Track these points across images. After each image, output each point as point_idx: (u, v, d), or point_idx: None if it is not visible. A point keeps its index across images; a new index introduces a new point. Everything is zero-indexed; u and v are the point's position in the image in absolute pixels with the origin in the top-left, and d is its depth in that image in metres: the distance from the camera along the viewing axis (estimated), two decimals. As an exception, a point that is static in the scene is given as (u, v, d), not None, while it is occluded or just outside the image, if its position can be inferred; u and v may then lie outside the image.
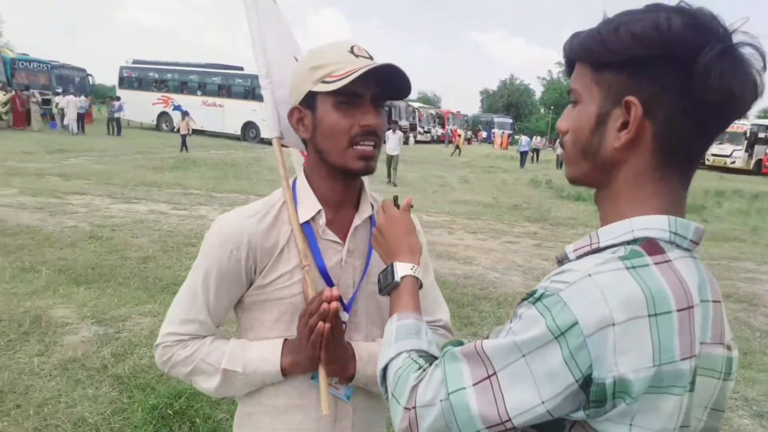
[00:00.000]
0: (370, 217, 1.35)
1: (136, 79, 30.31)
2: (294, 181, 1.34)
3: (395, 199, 1.24)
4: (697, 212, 14.17)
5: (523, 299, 0.83)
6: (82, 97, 25.65)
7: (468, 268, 7.29)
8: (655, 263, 0.79)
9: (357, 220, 1.31)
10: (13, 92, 23.62)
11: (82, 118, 24.84)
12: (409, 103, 44.31)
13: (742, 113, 0.83)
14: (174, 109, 28.28)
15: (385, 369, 0.98)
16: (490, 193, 15.37)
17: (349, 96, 1.18)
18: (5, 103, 22.25)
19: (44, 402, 3.42)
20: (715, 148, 32.62)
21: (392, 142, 15.99)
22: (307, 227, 1.27)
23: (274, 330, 1.28)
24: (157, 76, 29.79)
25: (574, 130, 0.90)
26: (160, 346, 1.29)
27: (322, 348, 1.19)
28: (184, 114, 21.88)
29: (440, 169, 21.80)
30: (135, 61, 30.72)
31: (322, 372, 1.23)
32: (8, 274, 5.57)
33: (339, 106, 1.19)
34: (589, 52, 0.86)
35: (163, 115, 29.46)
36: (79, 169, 13.52)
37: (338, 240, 1.30)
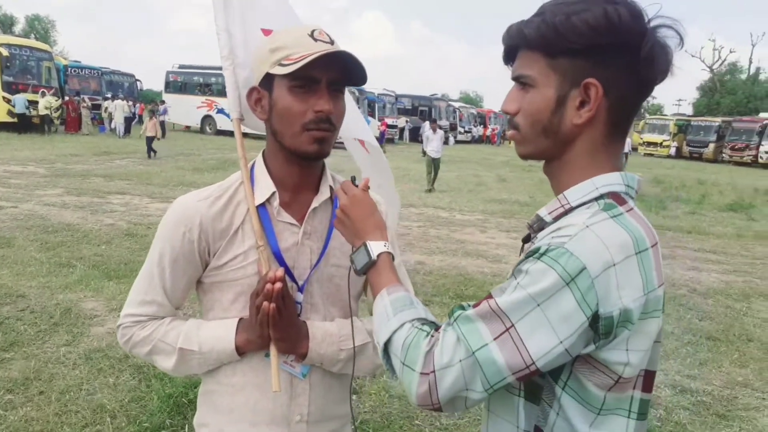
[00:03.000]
0: (332, 200, 1.35)
1: (182, 83, 31.14)
2: (253, 164, 1.35)
3: (353, 179, 1.24)
4: (745, 210, 13.64)
5: (527, 257, 0.91)
6: (129, 102, 26.47)
7: (497, 266, 7.21)
8: (626, 211, 0.94)
9: (315, 203, 1.31)
10: (66, 98, 24.64)
11: (130, 121, 25.69)
12: (450, 102, 44.12)
13: (664, 80, 0.99)
14: (218, 113, 28.92)
15: (387, 342, 1.00)
16: (527, 191, 15.13)
17: (304, 80, 1.18)
18: (57, 108, 23.19)
19: (66, 389, 3.56)
20: None
21: (434, 142, 14.61)
22: (262, 209, 1.28)
23: (232, 310, 1.30)
24: (201, 80, 30.51)
25: (532, 113, 0.99)
26: (121, 326, 1.32)
27: (271, 326, 1.20)
28: (152, 112, 19.73)
29: (478, 168, 21.61)
30: (181, 66, 31.56)
31: (273, 349, 1.25)
32: (45, 269, 5.81)
33: (294, 90, 1.19)
34: (543, 41, 0.95)
35: (207, 118, 30.15)
36: (122, 170, 14.02)
37: (295, 222, 1.30)
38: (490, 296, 0.92)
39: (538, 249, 0.89)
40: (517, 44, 1.00)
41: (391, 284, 1.07)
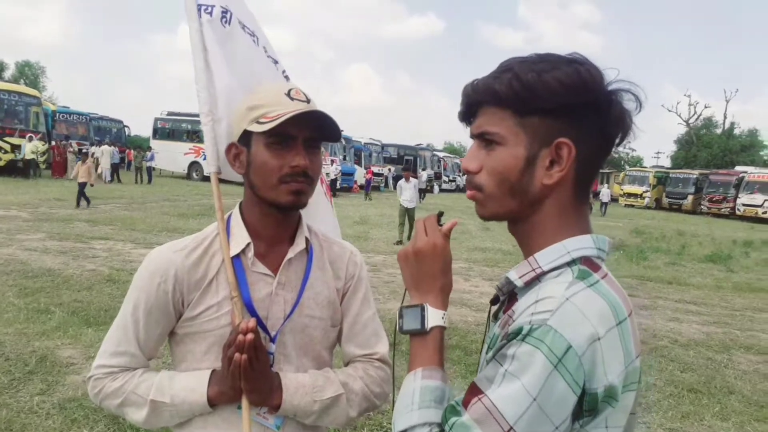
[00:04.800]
0: (307, 250, 1.39)
1: (170, 130, 31.38)
2: (230, 216, 1.38)
3: (440, 215, 1.11)
4: (724, 262, 13.82)
5: (508, 340, 0.86)
6: (116, 148, 26.53)
7: (480, 316, 7.19)
8: (601, 278, 0.90)
9: (290, 254, 1.34)
10: (53, 143, 24.66)
11: (116, 167, 25.70)
12: (435, 152, 44.77)
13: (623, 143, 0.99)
14: (204, 159, 28.97)
15: None
16: (510, 240, 14.96)
17: (281, 137, 1.24)
18: (44, 153, 23.18)
19: (38, 440, 3.46)
20: (746, 198, 33.51)
21: (407, 192, 13.72)
22: (237, 260, 1.31)
23: (204, 361, 1.30)
24: (189, 127, 30.71)
25: (499, 171, 0.95)
26: (92, 378, 1.32)
27: (243, 378, 1.21)
28: (84, 155, 17.42)
29: (462, 216, 21.66)
30: (169, 113, 31.83)
31: (244, 401, 1.25)
32: (23, 315, 5.71)
33: (270, 146, 1.25)
34: (516, 98, 0.91)
35: (194, 165, 30.26)
36: (106, 215, 13.92)
37: (269, 272, 1.33)
38: (478, 390, 0.86)
39: (520, 329, 0.85)
40: (481, 100, 0.96)
41: (430, 365, 0.99)
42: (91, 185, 15.17)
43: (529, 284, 0.94)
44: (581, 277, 0.89)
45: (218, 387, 1.26)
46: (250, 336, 1.16)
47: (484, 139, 0.97)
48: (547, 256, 0.94)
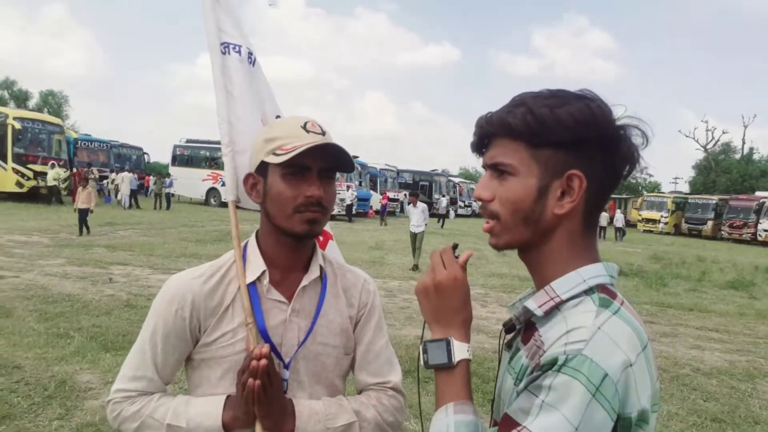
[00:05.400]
0: (321, 278, 1.41)
1: (188, 156, 31.90)
2: (246, 244, 1.41)
3: (454, 247, 1.10)
4: (746, 288, 13.58)
5: (543, 371, 0.87)
6: (135, 175, 26.97)
7: (496, 342, 7.12)
8: (621, 304, 0.93)
9: (305, 281, 1.37)
10: (74, 170, 25.15)
11: (135, 193, 26.11)
12: (450, 177, 44.84)
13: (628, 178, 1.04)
14: (222, 185, 29.40)
15: None
16: (527, 267, 15.14)
17: (296, 168, 1.27)
18: (65, 179, 23.64)
19: (56, 465, 3.47)
20: (767, 224, 33.13)
21: (415, 217, 13.62)
22: (252, 287, 1.34)
23: (219, 387, 1.32)
24: (207, 154, 31.23)
25: (513, 201, 0.99)
26: (111, 402, 1.34)
27: (256, 403, 1.22)
28: (84, 181, 16.23)
29: (478, 241, 21.65)
30: (188, 141, 32.39)
31: (258, 427, 1.26)
32: (43, 340, 5.78)
33: (286, 177, 1.28)
34: (529, 131, 0.96)
35: (211, 191, 30.67)
36: (125, 240, 14.11)
37: (284, 299, 1.35)
38: (514, 423, 0.87)
39: (555, 360, 0.86)
40: (495, 132, 1.00)
41: (461, 400, 0.99)
42: (91, 211, 14.66)
43: (549, 313, 0.96)
44: (604, 305, 0.91)
45: (233, 412, 1.27)
46: (263, 362, 1.18)
47: (497, 170, 1.00)
48: (563, 285, 0.96)
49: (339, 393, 1.42)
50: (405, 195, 36.29)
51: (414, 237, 13.50)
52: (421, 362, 1.04)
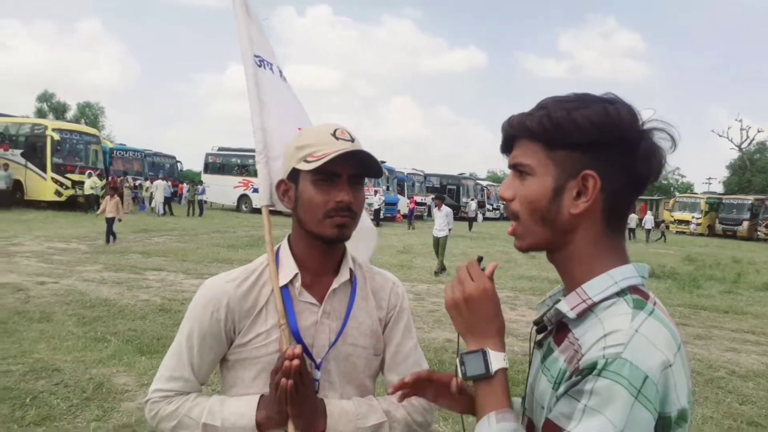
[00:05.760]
0: (351, 281, 1.45)
1: (220, 164, 32.43)
2: (279, 248, 1.47)
3: (479, 259, 1.12)
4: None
5: (582, 376, 0.88)
6: (168, 182, 27.53)
7: (527, 345, 7.07)
8: (654, 305, 0.94)
9: (335, 284, 1.41)
10: (110, 178, 25.83)
11: (169, 201, 26.66)
12: (478, 181, 44.59)
13: (656, 179, 1.04)
14: (253, 191, 29.84)
15: None
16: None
17: (326, 174, 1.32)
18: (102, 188, 24.28)
19: (95, 464, 3.59)
20: None
21: (438, 221, 13.34)
22: (285, 289, 1.38)
23: (253, 387, 1.37)
24: (239, 161, 31.70)
25: (531, 200, 1.02)
26: (149, 402, 1.40)
27: (289, 403, 1.27)
28: (112, 190, 15.97)
29: (507, 244, 21.49)
30: (220, 149, 32.93)
31: (291, 426, 1.30)
32: (81, 343, 5.97)
33: (317, 183, 1.33)
34: (545, 133, 0.99)
35: (243, 197, 31.16)
36: (159, 247, 14.43)
37: (315, 302, 1.39)
38: (557, 428, 0.89)
39: (594, 364, 0.87)
40: (517, 134, 1.04)
41: (502, 408, 1.01)
42: (119, 220, 14.59)
43: (582, 315, 0.97)
44: (639, 306, 0.92)
45: (266, 412, 1.31)
46: (296, 362, 1.22)
47: (518, 170, 1.04)
48: (595, 287, 0.97)
49: (369, 393, 1.45)
50: (432, 199, 36.32)
51: (437, 242, 13.26)
52: (459, 374, 1.06)
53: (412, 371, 1.45)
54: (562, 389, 0.91)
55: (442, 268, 12.94)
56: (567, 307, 0.99)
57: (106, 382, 4.94)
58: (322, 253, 1.41)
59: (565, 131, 0.97)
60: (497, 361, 1.02)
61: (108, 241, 14.32)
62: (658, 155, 0.99)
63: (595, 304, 0.96)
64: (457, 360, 1.06)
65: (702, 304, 10.91)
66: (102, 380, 4.97)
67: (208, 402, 1.36)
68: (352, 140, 1.36)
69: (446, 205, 13.94)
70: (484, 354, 1.03)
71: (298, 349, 1.24)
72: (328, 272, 1.43)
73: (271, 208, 1.59)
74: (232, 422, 1.32)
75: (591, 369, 0.87)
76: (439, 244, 13.17)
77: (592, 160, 0.97)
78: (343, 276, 1.43)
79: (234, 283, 1.39)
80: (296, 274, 1.39)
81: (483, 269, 1.09)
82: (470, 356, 1.04)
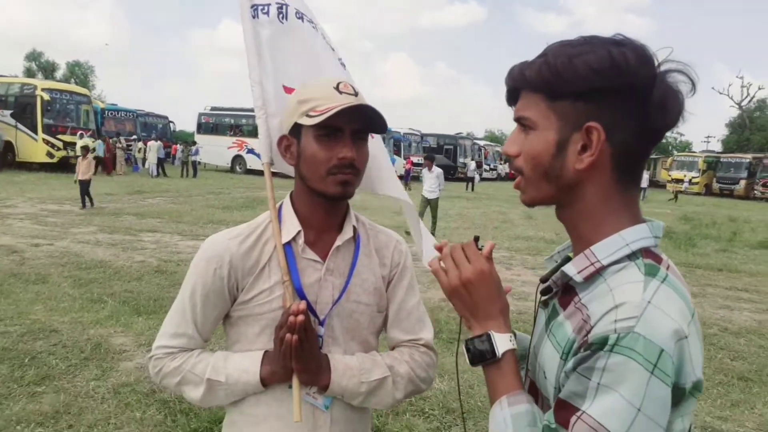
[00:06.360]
0: (355, 239, 1.43)
1: (213, 124, 31.98)
2: (281, 205, 1.43)
3: (476, 239, 1.08)
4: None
5: (592, 351, 0.83)
6: (160, 143, 27.26)
7: (522, 304, 7.14)
8: (667, 269, 0.89)
9: (338, 241, 1.39)
10: (103, 139, 25.57)
11: (162, 162, 26.46)
12: (475, 141, 44.36)
13: (675, 126, 0.95)
14: (248, 152, 29.59)
15: None
16: (553, 228, 14.99)
17: (329, 129, 1.28)
18: (94, 149, 24.03)
19: (95, 423, 3.64)
20: None
21: (429, 181, 12.74)
22: (288, 246, 1.36)
23: (257, 343, 1.36)
24: (232, 121, 31.31)
25: (533, 156, 0.96)
26: (153, 358, 1.39)
27: (293, 358, 1.26)
28: (84, 150, 14.40)
29: (504, 205, 21.56)
30: (213, 108, 32.46)
31: (295, 381, 1.30)
32: (78, 305, 5.98)
33: (319, 139, 1.29)
34: (545, 83, 0.92)
35: (237, 158, 30.87)
36: (154, 208, 14.37)
37: (318, 259, 1.37)
38: (572, 407, 0.84)
39: (605, 339, 0.82)
40: (518, 86, 0.98)
41: (514, 391, 0.97)
42: (87, 180, 13.37)
43: (589, 279, 0.92)
44: (651, 273, 0.87)
45: (270, 367, 1.31)
46: (300, 317, 1.20)
47: (522, 124, 0.98)
48: (604, 249, 0.92)
49: (373, 349, 1.45)
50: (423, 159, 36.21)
51: (426, 203, 12.61)
52: (466, 360, 1.02)
53: (415, 328, 1.47)
54: (570, 364, 0.87)
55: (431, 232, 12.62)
56: (574, 270, 0.94)
57: (104, 343, 4.96)
58: (325, 211, 1.38)
59: (564, 80, 0.90)
60: (503, 343, 0.99)
61: (84, 205, 13.38)
62: (674, 101, 0.90)
63: (603, 268, 0.91)
64: (463, 347, 1.03)
65: (697, 262, 11.00)
66: (100, 341, 4.99)
67: (212, 358, 1.36)
68: (356, 94, 1.32)
69: (441, 166, 13.69)
70: (489, 337, 0.99)
71: (302, 305, 1.22)
72: (331, 230, 1.40)
73: (273, 169, 1.54)
74: (236, 378, 1.32)
75: (602, 344, 0.82)
76: (429, 206, 12.64)
77: (596, 111, 0.90)
78: (347, 233, 1.41)
79: (237, 240, 1.37)
80: (299, 231, 1.36)
81: (480, 249, 1.05)
82: (476, 341, 1.01)
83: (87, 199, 13.47)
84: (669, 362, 0.80)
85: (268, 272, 1.35)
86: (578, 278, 0.93)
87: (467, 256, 1.04)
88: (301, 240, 1.36)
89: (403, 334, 1.47)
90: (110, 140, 25.96)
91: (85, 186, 13.34)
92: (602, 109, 0.90)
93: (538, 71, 0.93)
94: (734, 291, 8.70)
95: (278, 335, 1.26)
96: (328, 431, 1.36)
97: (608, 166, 0.93)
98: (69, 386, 4.12)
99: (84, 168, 13.37)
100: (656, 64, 0.90)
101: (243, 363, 1.33)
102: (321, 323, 1.36)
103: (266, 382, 1.32)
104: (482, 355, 0.99)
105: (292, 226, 1.37)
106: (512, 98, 1.01)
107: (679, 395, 0.83)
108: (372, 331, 1.45)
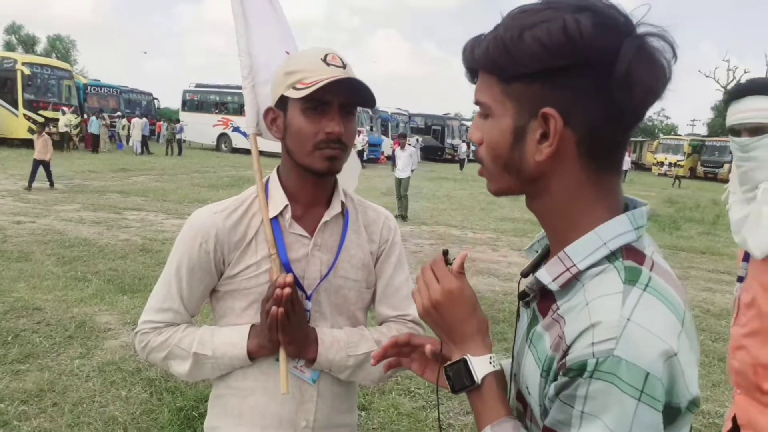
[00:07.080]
0: (343, 214, 1.41)
1: (198, 102, 31.54)
2: (268, 179, 1.41)
3: (445, 254, 0.98)
4: None
5: (570, 377, 0.75)
6: (145, 120, 26.86)
7: (508, 285, 7.20)
8: (650, 270, 0.78)
9: (326, 217, 1.37)
10: (85, 116, 25.13)
11: (146, 139, 26.10)
12: (463, 121, 44.28)
13: (655, 102, 0.81)
14: (233, 131, 29.25)
15: None
16: (540, 211, 15.14)
17: (316, 103, 1.25)
18: (77, 126, 23.64)
19: (79, 401, 3.62)
20: None
21: (401, 161, 12.42)
22: (275, 221, 1.34)
23: (244, 317, 1.35)
24: (217, 98, 30.89)
25: (491, 146, 0.85)
26: (139, 333, 1.38)
27: (280, 330, 1.25)
28: (41, 127, 13.58)
29: (491, 187, 21.60)
30: (198, 85, 31.99)
31: (282, 353, 1.29)
32: (62, 283, 5.92)
33: (306, 112, 1.26)
34: (494, 64, 0.81)
35: (222, 136, 30.50)
36: (138, 186, 14.22)
37: (306, 234, 1.36)
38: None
39: (584, 365, 0.73)
40: (473, 66, 0.86)
41: (498, 419, 0.88)
42: (46, 161, 12.40)
43: (566, 286, 0.82)
44: (631, 279, 0.76)
45: (257, 340, 1.30)
46: (287, 290, 1.20)
47: (481, 109, 0.87)
48: (580, 251, 0.81)
49: (360, 324, 1.44)
50: (417, 140, 36.06)
51: (399, 183, 12.25)
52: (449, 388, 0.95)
53: (402, 304, 1.46)
54: (552, 390, 0.79)
55: (403, 216, 11.94)
56: (549, 277, 0.83)
57: (89, 321, 4.92)
58: (312, 185, 1.36)
59: (514, 60, 0.77)
60: (481, 367, 0.91)
61: (30, 185, 12.05)
62: (644, 75, 0.75)
63: (580, 273, 0.81)
64: (444, 375, 0.96)
65: (681, 245, 11.13)
66: (84, 319, 4.95)
67: (199, 332, 1.35)
68: (344, 66, 1.29)
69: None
70: (466, 363, 0.91)
71: (289, 277, 1.21)
72: (319, 204, 1.38)
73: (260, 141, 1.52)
74: (223, 351, 1.32)
75: (581, 370, 0.73)
76: (401, 185, 12.22)
77: (553, 94, 0.77)
78: (335, 209, 1.39)
79: (223, 214, 1.35)
80: (286, 206, 1.34)
81: (450, 263, 0.97)
82: (454, 368, 0.93)
83: (48, 180, 12.56)
84: (657, 385, 0.71)
85: (254, 247, 1.34)
86: (554, 287, 0.83)
87: (436, 275, 0.95)
88: (288, 214, 1.34)
89: (390, 310, 1.46)
90: (98, 116, 25.52)
91: (44, 165, 12.29)
92: (560, 91, 0.77)
93: (486, 50, 0.81)
94: (716, 273, 8.84)
95: (265, 308, 1.25)
96: (314, 405, 1.36)
97: (574, 155, 0.80)
98: (53, 364, 4.09)
99: (40, 146, 12.28)
100: (625, 30, 0.76)
101: (230, 336, 1.33)
102: (308, 298, 1.35)
103: (253, 356, 1.32)
104: (462, 383, 0.92)
105: (279, 200, 1.35)
106: (473, 76, 0.89)
107: (673, 414, 0.74)
108: (360, 306, 1.45)
